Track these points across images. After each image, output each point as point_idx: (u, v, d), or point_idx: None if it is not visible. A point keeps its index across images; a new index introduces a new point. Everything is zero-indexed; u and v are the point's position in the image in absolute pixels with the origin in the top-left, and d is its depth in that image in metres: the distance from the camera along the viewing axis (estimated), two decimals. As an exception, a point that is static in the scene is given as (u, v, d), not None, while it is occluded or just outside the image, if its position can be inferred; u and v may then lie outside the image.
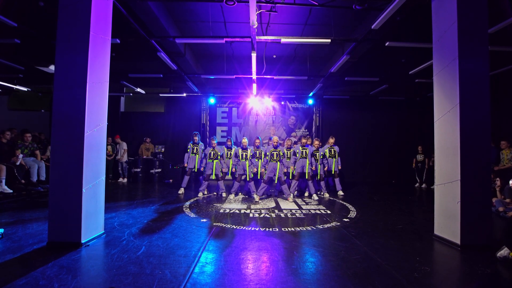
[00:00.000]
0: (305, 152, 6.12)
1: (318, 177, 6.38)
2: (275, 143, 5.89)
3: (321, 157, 6.43)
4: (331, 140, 6.71)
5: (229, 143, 6.36)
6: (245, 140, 6.18)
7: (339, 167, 6.72)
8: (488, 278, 2.33)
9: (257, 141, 6.02)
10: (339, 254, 2.79)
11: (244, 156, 6.04)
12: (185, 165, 6.52)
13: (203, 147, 6.65)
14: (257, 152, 6.00)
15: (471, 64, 3.06)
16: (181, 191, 6.44)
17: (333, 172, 6.63)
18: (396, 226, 3.87)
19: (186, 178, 6.52)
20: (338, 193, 6.51)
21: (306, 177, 6.10)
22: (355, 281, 2.19)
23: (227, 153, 6.29)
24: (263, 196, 6.05)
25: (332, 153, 6.65)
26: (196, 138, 6.56)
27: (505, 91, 7.51)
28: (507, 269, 2.49)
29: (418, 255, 2.80)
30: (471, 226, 2.97)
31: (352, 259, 2.66)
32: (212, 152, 6.21)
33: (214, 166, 6.18)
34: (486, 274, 2.38)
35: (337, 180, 6.63)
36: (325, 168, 6.53)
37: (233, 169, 6.23)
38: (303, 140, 6.28)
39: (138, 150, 9.03)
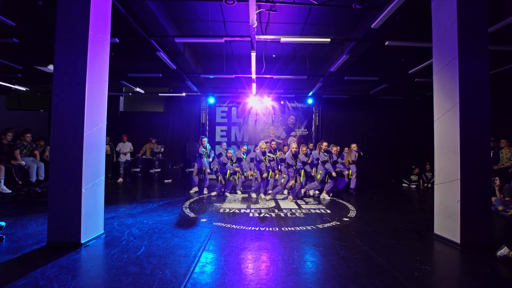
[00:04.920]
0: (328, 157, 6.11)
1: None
2: (289, 151, 5.88)
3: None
4: (324, 144, 6.54)
5: (227, 150, 6.49)
6: (243, 148, 6.55)
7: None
8: (488, 277, 2.33)
9: (263, 145, 6.24)
10: (339, 253, 2.79)
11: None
12: (195, 169, 6.75)
13: (209, 147, 6.87)
14: (264, 158, 6.22)
15: (471, 63, 3.05)
16: (194, 189, 6.66)
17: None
18: (396, 226, 3.88)
19: (196, 178, 6.82)
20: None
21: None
22: (356, 281, 2.19)
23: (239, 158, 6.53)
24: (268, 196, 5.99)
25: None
26: (205, 141, 6.72)
27: (505, 90, 7.52)
28: (507, 268, 2.49)
29: (419, 254, 2.80)
30: (471, 225, 2.98)
31: (353, 258, 2.66)
32: (229, 163, 6.34)
33: (228, 172, 6.38)
34: (486, 273, 2.38)
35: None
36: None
37: (251, 173, 6.37)
38: (323, 146, 6.19)
39: (141, 149, 8.94)
